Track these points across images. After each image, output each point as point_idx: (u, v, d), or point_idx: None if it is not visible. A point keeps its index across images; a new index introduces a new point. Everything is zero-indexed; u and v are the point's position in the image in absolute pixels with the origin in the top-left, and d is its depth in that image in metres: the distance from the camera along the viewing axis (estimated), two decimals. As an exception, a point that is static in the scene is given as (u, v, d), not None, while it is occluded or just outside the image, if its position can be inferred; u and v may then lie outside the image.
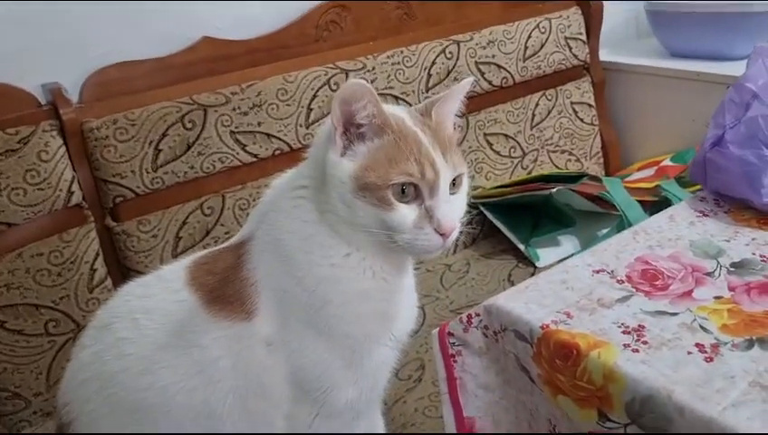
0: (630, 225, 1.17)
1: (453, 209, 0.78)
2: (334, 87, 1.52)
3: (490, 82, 1.75)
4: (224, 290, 0.84)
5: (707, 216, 1.04)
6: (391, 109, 0.82)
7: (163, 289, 0.87)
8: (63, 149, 1.28)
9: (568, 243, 1.64)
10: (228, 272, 0.85)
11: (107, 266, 1.34)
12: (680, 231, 1.00)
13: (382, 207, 0.75)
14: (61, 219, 1.29)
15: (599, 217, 1.61)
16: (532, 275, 0.95)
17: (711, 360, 0.73)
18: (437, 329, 0.93)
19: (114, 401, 0.83)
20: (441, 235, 0.76)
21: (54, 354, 1.28)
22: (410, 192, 0.76)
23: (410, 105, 1.58)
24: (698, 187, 1.28)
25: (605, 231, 1.58)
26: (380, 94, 1.58)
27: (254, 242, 0.85)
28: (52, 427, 1.23)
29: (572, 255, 1.01)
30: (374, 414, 0.98)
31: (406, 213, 0.76)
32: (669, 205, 1.20)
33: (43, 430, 1.23)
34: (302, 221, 0.82)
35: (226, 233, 1.41)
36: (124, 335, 0.84)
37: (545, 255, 1.61)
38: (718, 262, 0.92)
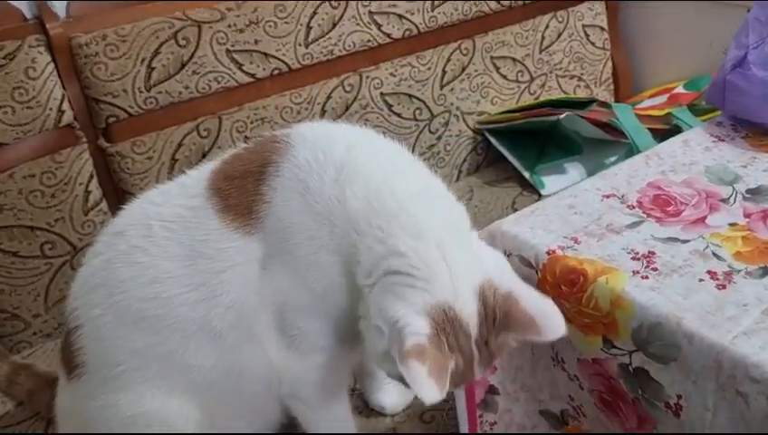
0: (639, 153, 1.13)
1: None
2: (335, 4, 1.44)
3: (499, 2, 1.66)
4: (237, 199, 0.80)
5: (723, 141, 1.00)
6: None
7: (181, 194, 0.84)
8: (52, 65, 1.23)
9: (574, 170, 1.60)
10: (247, 180, 0.80)
11: (102, 188, 1.30)
12: (695, 156, 0.97)
13: None
14: (52, 139, 1.25)
15: (607, 144, 1.57)
16: (538, 202, 0.92)
17: (723, 287, 0.71)
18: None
19: (120, 308, 0.81)
20: None
21: (52, 276, 1.26)
22: None
23: (416, 26, 1.54)
24: (711, 115, 1.23)
25: (613, 159, 1.54)
26: (383, 13, 1.51)
27: (283, 166, 0.80)
28: (51, 347, 1.24)
29: (579, 182, 0.97)
30: None
31: None
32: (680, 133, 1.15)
33: (43, 351, 1.23)
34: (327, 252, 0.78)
35: (224, 156, 1.37)
36: (137, 243, 0.82)
37: (550, 182, 1.57)
38: (734, 188, 0.88)
